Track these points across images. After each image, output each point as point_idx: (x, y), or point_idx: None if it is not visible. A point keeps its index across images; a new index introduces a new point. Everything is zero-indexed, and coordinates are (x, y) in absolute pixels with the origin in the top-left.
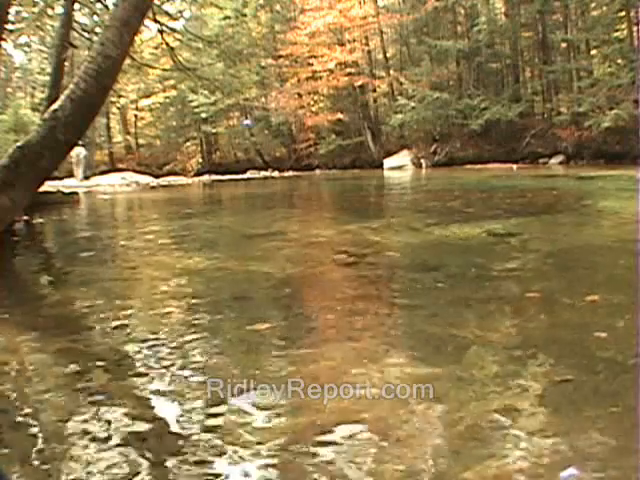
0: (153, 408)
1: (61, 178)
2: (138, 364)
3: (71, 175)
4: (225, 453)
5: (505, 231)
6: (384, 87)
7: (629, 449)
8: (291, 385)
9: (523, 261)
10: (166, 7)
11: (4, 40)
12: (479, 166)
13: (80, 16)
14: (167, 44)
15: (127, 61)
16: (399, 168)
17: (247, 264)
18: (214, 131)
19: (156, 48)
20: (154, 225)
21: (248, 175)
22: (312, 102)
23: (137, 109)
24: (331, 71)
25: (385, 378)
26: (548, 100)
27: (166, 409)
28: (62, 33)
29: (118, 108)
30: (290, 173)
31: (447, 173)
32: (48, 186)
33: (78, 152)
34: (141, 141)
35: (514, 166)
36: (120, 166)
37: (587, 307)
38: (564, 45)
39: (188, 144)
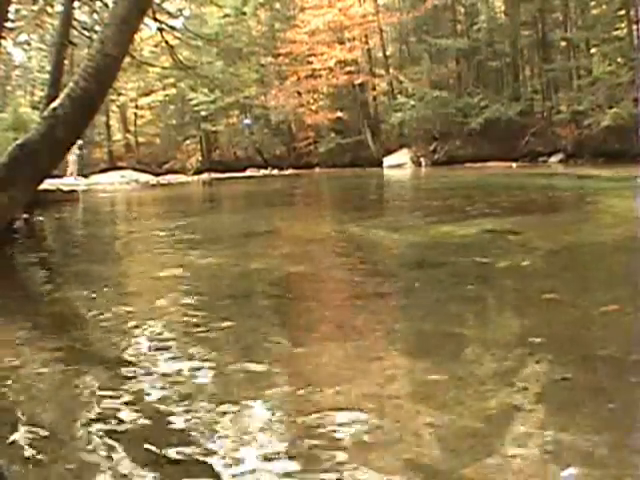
0: (153, 407)
1: (61, 176)
2: (138, 363)
3: (79, 174)
4: (228, 452)
5: (505, 229)
6: (384, 85)
7: (629, 447)
8: (290, 382)
9: (523, 259)
10: (166, 5)
11: (4, 38)
12: (479, 164)
13: (80, 14)
14: (167, 42)
15: (127, 59)
16: (398, 166)
17: (247, 262)
18: (214, 129)
19: (156, 46)
20: (154, 223)
21: (248, 173)
22: (312, 100)
23: (137, 107)
24: (331, 69)
25: (384, 375)
26: (548, 99)
27: (166, 408)
28: (62, 31)
29: (118, 106)
30: (290, 171)
31: (447, 171)
32: (47, 184)
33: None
34: (141, 139)
35: (514, 164)
36: (120, 164)
37: (587, 305)
38: (564, 44)
39: (188, 142)
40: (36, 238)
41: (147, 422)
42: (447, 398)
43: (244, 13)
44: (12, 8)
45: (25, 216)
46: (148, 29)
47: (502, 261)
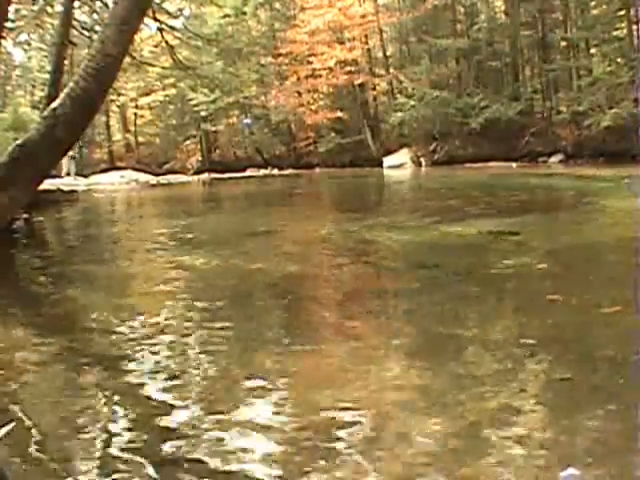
0: (152, 407)
1: (61, 177)
2: (137, 362)
3: (76, 173)
4: (227, 451)
5: (505, 229)
6: (384, 85)
7: (628, 448)
8: (290, 383)
9: (522, 259)
10: (166, 5)
11: (4, 38)
12: (478, 164)
13: (80, 14)
14: (167, 42)
15: (127, 59)
16: (398, 166)
17: (247, 262)
18: (214, 129)
19: (156, 46)
20: (154, 223)
21: (248, 173)
22: (312, 100)
23: (137, 107)
24: (331, 69)
25: (384, 376)
26: (548, 99)
27: (165, 408)
28: (62, 31)
29: (118, 106)
30: (290, 171)
31: (446, 172)
32: (48, 184)
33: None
34: (141, 139)
35: (514, 164)
36: (120, 164)
37: (586, 305)
38: (564, 44)
39: (188, 142)
40: (36, 238)
41: (146, 421)
42: (448, 398)
43: (244, 13)
44: (12, 8)
45: (25, 216)
46: (148, 29)
47: (503, 261)
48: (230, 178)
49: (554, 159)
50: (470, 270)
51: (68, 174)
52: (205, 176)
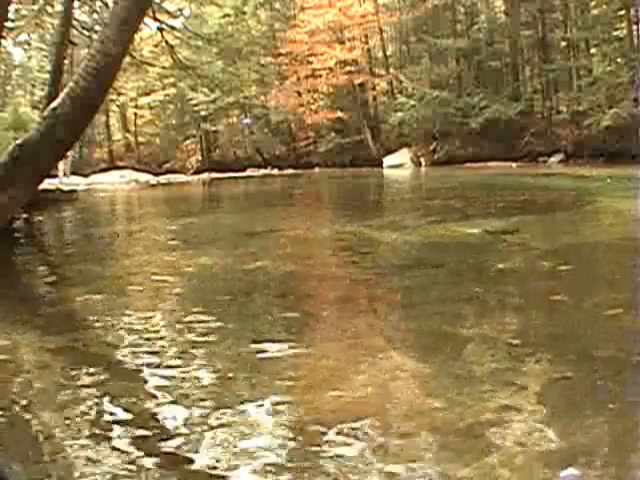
0: (153, 406)
1: (61, 176)
2: (137, 362)
3: (73, 173)
4: (229, 456)
5: (504, 229)
6: (384, 85)
7: (628, 447)
8: (289, 382)
9: (522, 259)
10: (166, 5)
11: (4, 38)
12: (478, 164)
13: (80, 14)
14: (167, 42)
15: (127, 59)
16: (398, 166)
17: (247, 262)
18: (214, 129)
19: (156, 46)
20: (153, 223)
21: (247, 173)
22: (312, 100)
23: (137, 107)
24: (331, 69)
25: (384, 375)
26: (548, 99)
27: (166, 407)
28: (62, 31)
29: (118, 106)
30: (289, 171)
31: (446, 171)
32: (47, 184)
33: None
34: (141, 139)
35: (514, 164)
36: (120, 164)
37: (586, 305)
38: (564, 44)
39: (188, 142)
40: (36, 238)
41: (147, 420)
42: (447, 398)
43: (244, 13)
44: (12, 8)
45: (25, 216)
46: (148, 29)
47: (501, 261)
48: (230, 178)
49: (554, 159)
50: (470, 269)
51: (65, 174)
52: (205, 176)
